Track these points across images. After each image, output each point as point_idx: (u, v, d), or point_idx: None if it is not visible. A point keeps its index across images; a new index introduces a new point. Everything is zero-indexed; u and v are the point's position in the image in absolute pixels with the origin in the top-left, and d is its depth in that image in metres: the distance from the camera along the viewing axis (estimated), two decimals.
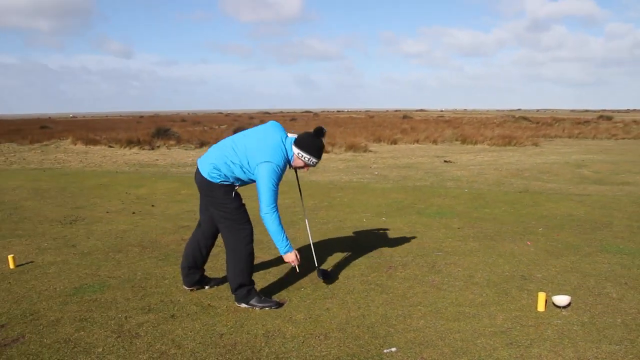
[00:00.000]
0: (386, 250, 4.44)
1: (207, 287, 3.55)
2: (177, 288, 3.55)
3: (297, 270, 3.57)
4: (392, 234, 5.07)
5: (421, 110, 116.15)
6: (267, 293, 3.41)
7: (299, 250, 4.38)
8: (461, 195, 7.32)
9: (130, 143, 17.50)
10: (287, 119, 41.45)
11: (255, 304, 3.18)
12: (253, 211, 3.27)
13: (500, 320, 2.98)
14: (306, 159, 3.12)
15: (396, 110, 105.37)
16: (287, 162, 3.15)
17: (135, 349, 2.67)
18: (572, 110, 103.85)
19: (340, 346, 2.69)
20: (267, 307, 3.18)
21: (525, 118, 37.42)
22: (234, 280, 3.18)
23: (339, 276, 3.79)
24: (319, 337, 2.80)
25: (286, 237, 3.13)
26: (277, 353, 2.62)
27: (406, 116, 47.48)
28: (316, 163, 3.18)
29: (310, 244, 3.84)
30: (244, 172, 3.10)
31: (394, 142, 19.22)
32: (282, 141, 3.11)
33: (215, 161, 3.10)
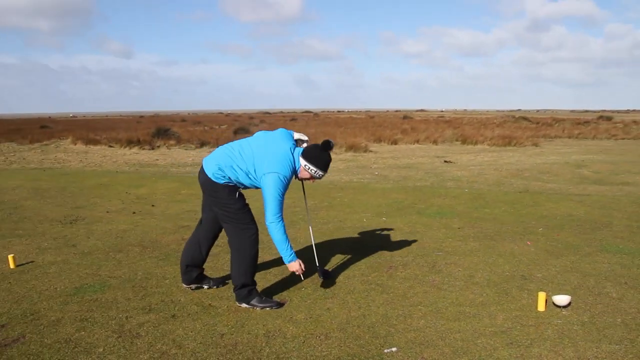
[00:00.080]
0: (386, 250, 4.44)
1: (205, 286, 3.55)
2: (177, 288, 3.55)
3: (302, 278, 3.56)
4: (392, 234, 5.08)
5: (421, 110, 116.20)
6: (268, 293, 3.42)
7: (300, 251, 4.39)
8: (461, 196, 7.32)
9: (130, 143, 17.50)
10: (287, 119, 41.46)
11: (256, 304, 3.18)
12: (257, 210, 3.27)
13: (501, 320, 2.98)
14: (313, 171, 3.13)
15: (396, 111, 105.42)
16: (294, 172, 3.15)
17: (136, 349, 2.67)
18: (572, 111, 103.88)
19: (341, 346, 2.69)
20: (267, 307, 3.18)
21: (525, 118, 37.44)
22: (237, 279, 3.18)
23: (340, 276, 3.79)
24: (319, 337, 2.80)
25: (290, 246, 3.15)
26: (278, 353, 2.62)
27: (406, 116, 47.49)
28: (322, 176, 3.20)
29: (312, 245, 3.84)
30: (250, 179, 3.10)
31: (394, 142, 19.23)
32: (291, 151, 3.12)
33: (221, 163, 3.10)
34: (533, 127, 28.27)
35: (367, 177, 9.90)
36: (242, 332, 2.87)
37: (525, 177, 9.70)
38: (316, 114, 65.74)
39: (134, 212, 6.31)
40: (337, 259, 4.22)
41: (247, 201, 3.22)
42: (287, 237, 3.11)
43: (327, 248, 4.54)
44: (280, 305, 3.22)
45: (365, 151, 15.79)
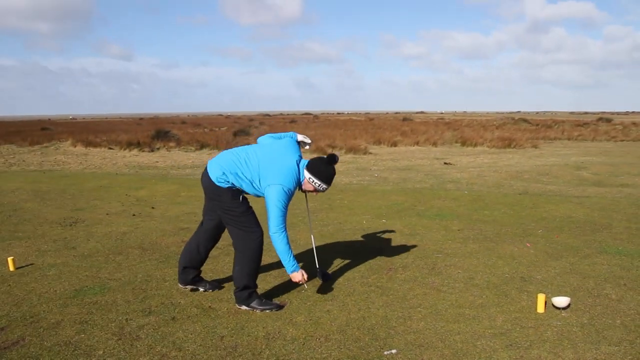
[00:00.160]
0: (386, 252, 4.44)
1: (201, 289, 3.54)
2: (177, 290, 3.55)
3: (306, 287, 3.55)
4: (392, 236, 5.08)
5: (421, 112, 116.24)
6: (268, 295, 3.42)
7: (300, 253, 4.39)
8: (461, 197, 7.33)
9: (130, 145, 17.51)
10: (286, 121, 41.48)
11: (256, 306, 3.19)
12: (260, 211, 3.27)
13: (500, 322, 2.99)
14: (317, 184, 3.14)
15: (396, 113, 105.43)
16: (298, 185, 3.16)
17: (135, 351, 2.68)
18: (572, 113, 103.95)
19: (341, 348, 2.69)
20: (267, 309, 3.18)
21: (524, 120, 37.44)
22: (239, 280, 3.18)
23: (340, 278, 3.79)
24: (319, 339, 2.80)
25: (293, 257, 3.15)
26: (278, 355, 2.63)
27: (406, 118, 47.49)
28: (326, 189, 3.21)
29: (313, 248, 3.84)
30: (254, 188, 3.11)
31: (394, 144, 19.23)
32: (297, 164, 3.13)
33: (226, 169, 3.10)
34: (532, 129, 28.28)
35: (366, 179, 9.90)
36: (242, 334, 2.87)
37: (524, 179, 9.71)
38: (316, 116, 65.81)
39: (133, 215, 6.31)
40: (336, 261, 4.22)
41: (250, 204, 3.23)
42: (290, 247, 3.12)
43: (327, 250, 4.54)
44: (280, 307, 3.23)
45: (364, 153, 15.79)
